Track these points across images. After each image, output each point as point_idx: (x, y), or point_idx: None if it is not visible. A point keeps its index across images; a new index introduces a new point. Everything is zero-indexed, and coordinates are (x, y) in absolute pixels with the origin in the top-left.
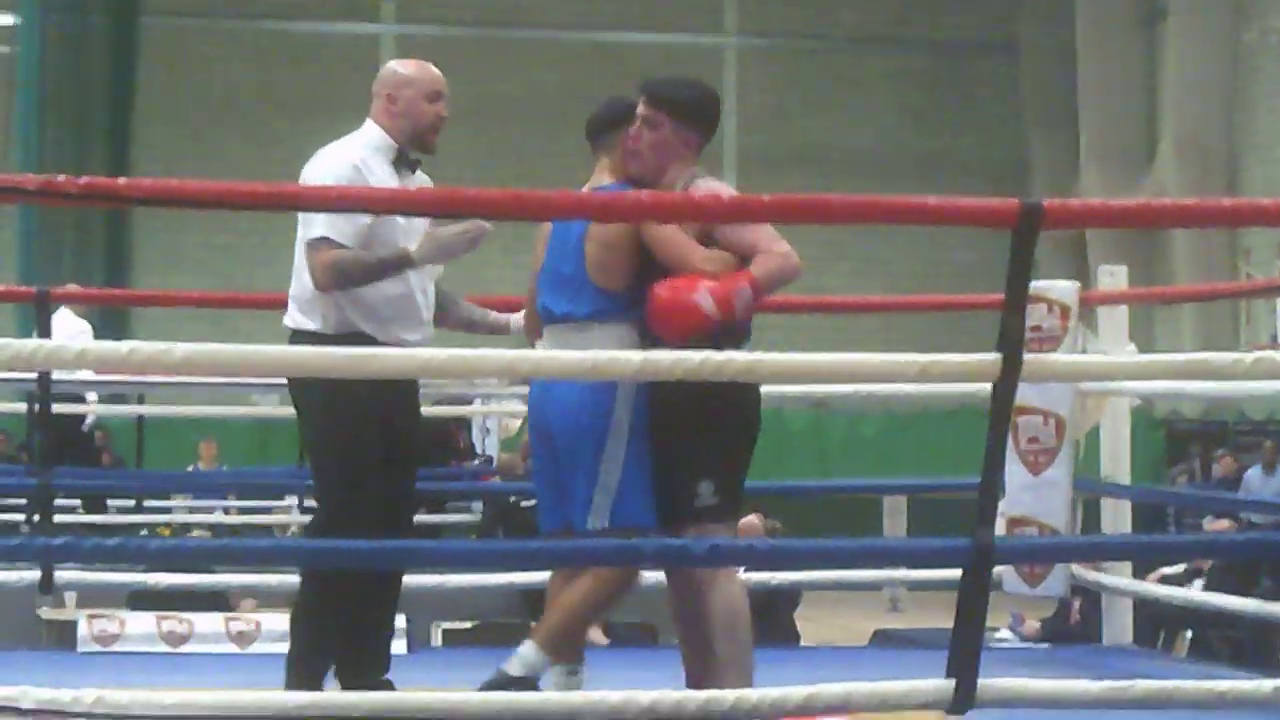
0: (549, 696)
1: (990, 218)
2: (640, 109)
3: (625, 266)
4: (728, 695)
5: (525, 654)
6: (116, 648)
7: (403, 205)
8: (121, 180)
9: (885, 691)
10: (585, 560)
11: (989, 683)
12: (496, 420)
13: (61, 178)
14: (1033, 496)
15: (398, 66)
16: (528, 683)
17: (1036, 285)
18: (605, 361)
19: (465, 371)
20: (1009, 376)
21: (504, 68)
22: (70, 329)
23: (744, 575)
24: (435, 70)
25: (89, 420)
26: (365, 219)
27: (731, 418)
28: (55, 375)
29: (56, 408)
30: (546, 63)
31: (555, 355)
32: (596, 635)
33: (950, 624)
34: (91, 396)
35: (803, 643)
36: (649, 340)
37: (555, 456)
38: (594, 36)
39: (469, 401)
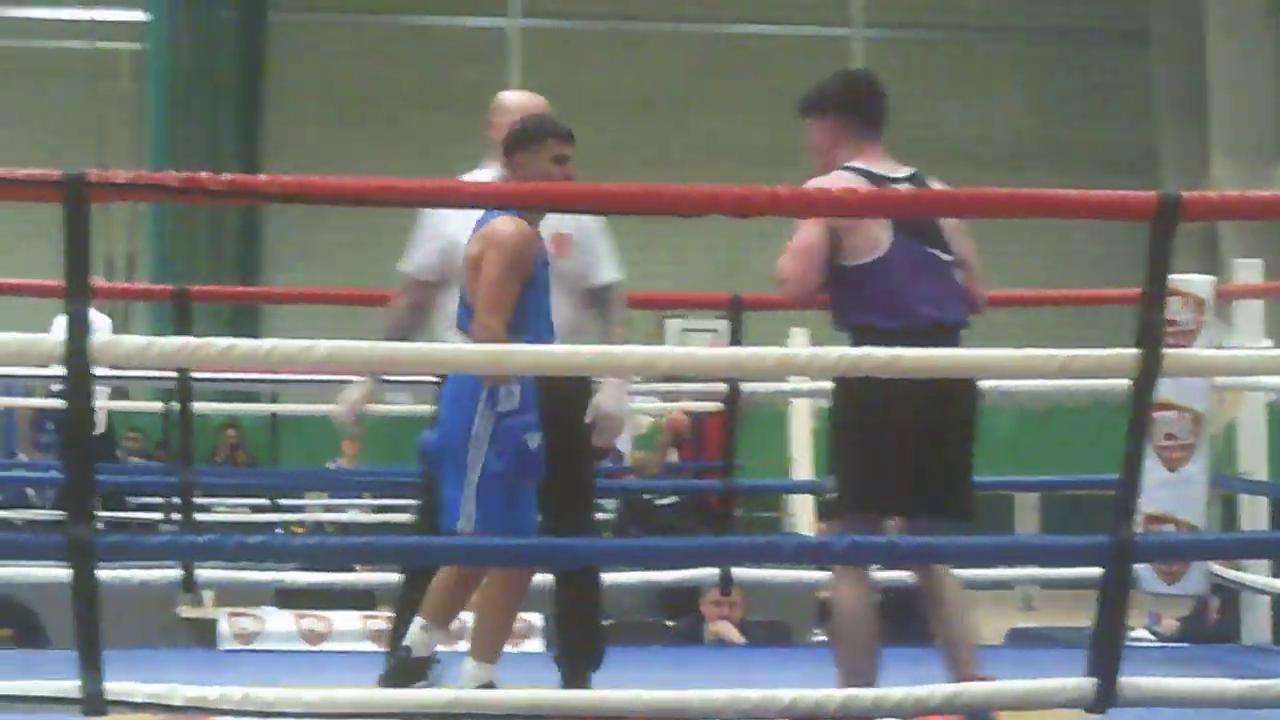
0: (691, 695)
1: (1129, 210)
2: None
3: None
4: (867, 694)
5: (470, 670)
6: (256, 645)
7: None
8: (263, 177)
9: (1029, 690)
10: (716, 560)
11: (1129, 681)
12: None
13: (204, 175)
14: (1170, 493)
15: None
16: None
17: (1172, 279)
18: (746, 358)
19: (609, 368)
20: (1149, 371)
21: (630, 60)
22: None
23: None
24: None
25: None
26: (436, 245)
27: (868, 415)
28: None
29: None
30: (673, 55)
31: (694, 352)
32: (732, 634)
33: (1084, 622)
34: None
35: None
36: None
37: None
38: (720, 29)
39: None
